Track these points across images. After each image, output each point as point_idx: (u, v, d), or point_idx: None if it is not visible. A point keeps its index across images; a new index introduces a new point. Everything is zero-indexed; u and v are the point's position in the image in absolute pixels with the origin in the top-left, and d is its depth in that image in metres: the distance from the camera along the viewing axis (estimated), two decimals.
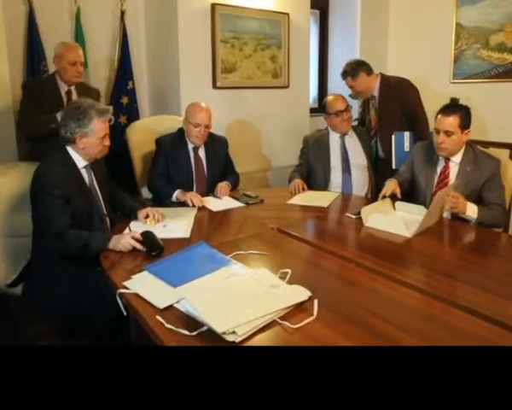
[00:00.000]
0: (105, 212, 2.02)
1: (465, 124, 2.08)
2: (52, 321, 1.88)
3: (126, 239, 1.71)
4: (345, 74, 2.86)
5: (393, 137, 2.80)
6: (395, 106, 2.77)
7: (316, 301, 1.28)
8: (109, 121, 1.93)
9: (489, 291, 1.36)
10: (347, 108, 2.73)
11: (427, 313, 1.26)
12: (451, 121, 2.06)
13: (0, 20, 2.65)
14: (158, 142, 2.60)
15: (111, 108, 1.95)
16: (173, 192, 2.43)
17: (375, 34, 4.29)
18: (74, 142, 1.85)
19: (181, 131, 2.60)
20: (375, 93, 2.87)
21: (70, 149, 1.89)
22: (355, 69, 2.82)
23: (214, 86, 3.43)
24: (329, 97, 2.84)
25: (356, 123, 3.26)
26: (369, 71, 2.85)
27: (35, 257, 1.92)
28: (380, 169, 2.88)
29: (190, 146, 2.59)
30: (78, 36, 3.22)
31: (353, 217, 2.09)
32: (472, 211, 2.01)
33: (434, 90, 3.77)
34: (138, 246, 1.69)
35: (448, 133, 2.07)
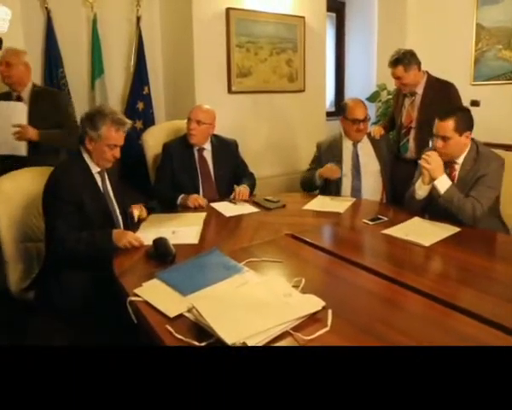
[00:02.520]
0: (119, 217, 2.03)
1: (462, 127, 2.02)
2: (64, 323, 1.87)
3: (128, 238, 1.75)
4: (397, 62, 2.68)
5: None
6: (439, 108, 2.66)
7: (330, 312, 1.23)
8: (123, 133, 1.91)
9: None
10: (366, 119, 2.63)
11: (446, 324, 1.20)
12: (446, 126, 2.01)
13: (18, 28, 2.68)
14: (164, 147, 2.63)
15: (129, 122, 1.93)
16: (178, 196, 2.43)
17: (392, 37, 4.22)
18: (84, 142, 1.86)
19: (186, 135, 2.61)
20: (419, 90, 2.76)
21: (84, 154, 1.90)
22: (410, 60, 2.67)
23: (229, 91, 3.42)
24: (350, 102, 2.71)
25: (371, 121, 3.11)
26: (420, 66, 2.74)
27: (47, 262, 1.92)
28: (404, 169, 2.71)
29: (195, 148, 2.59)
30: (95, 42, 3.26)
31: (370, 223, 2.03)
32: (443, 183, 1.98)
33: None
34: (137, 243, 1.76)
35: (444, 138, 2.02)
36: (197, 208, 2.34)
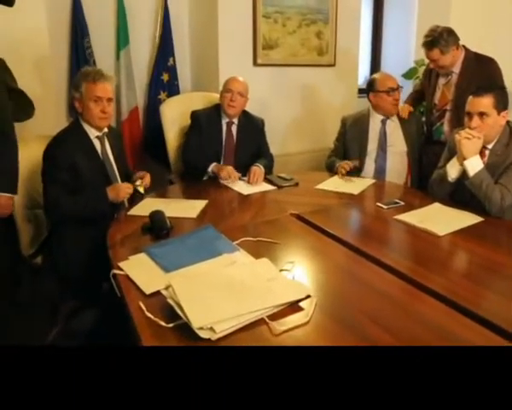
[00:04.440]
0: (119, 181, 2.01)
1: (501, 104, 1.84)
2: (67, 284, 1.91)
3: (123, 189, 1.84)
4: (432, 44, 2.40)
5: None
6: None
7: (313, 302, 1.13)
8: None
9: None
10: (399, 88, 2.49)
11: (444, 326, 1.06)
12: (485, 102, 1.82)
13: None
14: (193, 115, 2.57)
15: (110, 75, 1.93)
16: (208, 167, 2.38)
17: (435, 7, 3.89)
18: (75, 107, 1.90)
19: (217, 107, 2.57)
20: (456, 69, 2.50)
21: (82, 121, 1.92)
22: (447, 41, 2.38)
23: (255, 63, 3.28)
24: (378, 74, 2.60)
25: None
26: (458, 43, 2.46)
27: (51, 227, 1.96)
28: (437, 153, 2.44)
29: (224, 121, 2.54)
30: (121, 13, 3.21)
31: (385, 207, 1.89)
32: (474, 164, 1.80)
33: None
34: (130, 190, 1.87)
35: (483, 115, 1.82)
36: (226, 180, 2.28)
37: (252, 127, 2.60)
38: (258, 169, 2.35)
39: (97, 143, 1.93)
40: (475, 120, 1.84)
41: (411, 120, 2.56)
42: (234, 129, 2.55)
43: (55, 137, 1.88)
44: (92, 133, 1.92)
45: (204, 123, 2.51)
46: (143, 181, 1.98)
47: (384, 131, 2.51)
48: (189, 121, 2.60)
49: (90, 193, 1.84)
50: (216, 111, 2.55)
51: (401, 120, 2.54)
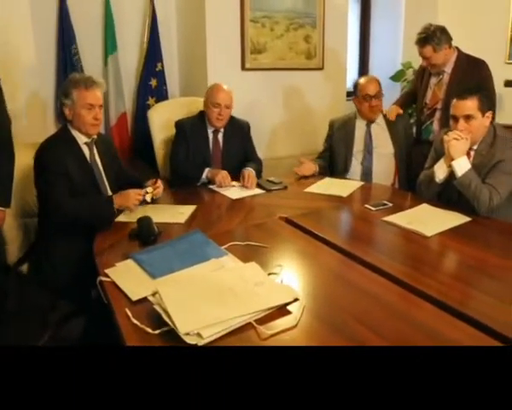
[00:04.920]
0: (108, 191, 1.99)
1: (485, 106, 1.86)
2: (55, 292, 1.89)
3: (133, 196, 1.81)
4: (425, 41, 2.43)
5: None
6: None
7: (302, 305, 1.13)
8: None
9: None
10: (378, 95, 2.46)
11: (433, 327, 1.06)
12: (470, 104, 1.84)
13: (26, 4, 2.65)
14: (177, 125, 2.53)
15: (101, 82, 1.91)
16: (199, 173, 2.36)
17: (422, 11, 3.93)
18: (65, 114, 1.87)
19: (202, 115, 2.52)
20: (448, 69, 2.53)
21: (70, 127, 1.90)
22: (440, 39, 2.42)
23: (243, 68, 3.29)
24: (362, 79, 2.59)
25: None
26: (451, 43, 2.49)
27: (39, 236, 1.94)
28: (425, 153, 2.45)
29: (210, 130, 2.50)
30: (108, 19, 3.20)
31: (373, 209, 1.90)
32: (462, 165, 1.82)
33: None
34: (141, 197, 1.85)
35: (468, 118, 1.83)
36: (220, 185, 2.27)
37: (238, 132, 2.57)
38: (251, 173, 2.34)
39: (86, 150, 1.92)
40: (461, 123, 1.85)
41: (398, 122, 2.57)
42: (220, 137, 2.52)
43: (45, 144, 1.85)
44: (81, 140, 1.90)
45: (189, 132, 2.47)
46: (154, 190, 1.96)
47: (369, 134, 2.52)
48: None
49: (94, 197, 1.85)
50: (200, 119, 2.51)
51: (388, 122, 2.55)
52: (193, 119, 2.54)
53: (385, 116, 2.57)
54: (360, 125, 2.55)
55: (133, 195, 1.83)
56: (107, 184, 1.98)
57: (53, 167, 1.77)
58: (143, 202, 1.91)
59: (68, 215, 1.77)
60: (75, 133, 1.89)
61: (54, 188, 1.78)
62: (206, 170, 2.36)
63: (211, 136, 2.51)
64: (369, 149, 2.49)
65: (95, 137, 1.95)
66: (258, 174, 2.52)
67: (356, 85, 2.56)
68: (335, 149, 2.59)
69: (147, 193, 1.92)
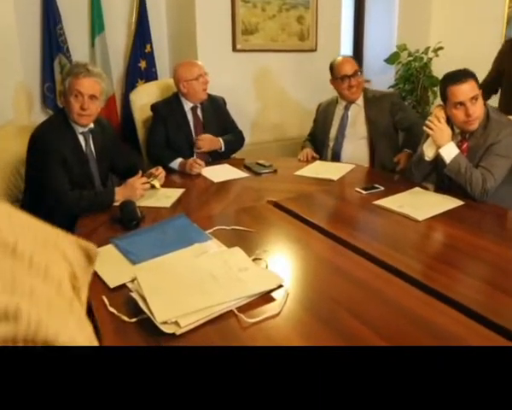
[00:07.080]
0: (99, 182, 1.94)
1: (478, 84, 1.82)
2: None
3: (139, 187, 1.74)
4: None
5: None
6: None
7: (286, 293, 1.09)
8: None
9: None
10: (356, 73, 2.36)
11: (423, 314, 1.02)
12: (472, 85, 1.76)
13: None
14: (154, 108, 2.49)
15: (95, 70, 1.83)
16: (174, 156, 2.31)
17: None
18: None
19: (176, 95, 2.49)
20: None
21: (67, 114, 1.84)
22: None
23: (234, 49, 3.20)
24: (337, 59, 2.50)
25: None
26: None
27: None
28: None
29: (187, 107, 2.47)
30: None
31: (363, 192, 1.85)
32: (449, 151, 1.77)
33: (483, 56, 3.32)
34: (147, 186, 1.79)
35: (475, 98, 1.76)
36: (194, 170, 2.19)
37: (215, 106, 2.56)
38: (206, 135, 2.37)
39: (82, 140, 1.86)
40: (470, 107, 1.74)
41: (384, 99, 2.42)
42: (199, 112, 2.50)
43: (41, 129, 1.78)
44: (77, 129, 1.84)
45: (166, 113, 2.43)
46: (159, 176, 1.90)
47: (347, 116, 2.45)
48: None
49: (98, 191, 1.81)
50: (176, 99, 2.47)
51: (367, 100, 2.43)
52: (168, 100, 2.52)
53: (366, 94, 2.45)
54: (340, 108, 2.49)
55: (138, 184, 1.75)
56: (98, 176, 1.93)
57: (55, 153, 1.72)
58: (153, 187, 1.85)
59: (71, 207, 1.69)
60: (72, 122, 1.83)
61: (55, 174, 1.71)
62: (178, 160, 2.29)
63: (189, 114, 2.48)
64: (342, 132, 2.44)
65: (91, 126, 1.88)
66: (237, 145, 2.55)
67: (332, 67, 2.49)
68: (317, 132, 2.57)
69: (153, 181, 1.86)
